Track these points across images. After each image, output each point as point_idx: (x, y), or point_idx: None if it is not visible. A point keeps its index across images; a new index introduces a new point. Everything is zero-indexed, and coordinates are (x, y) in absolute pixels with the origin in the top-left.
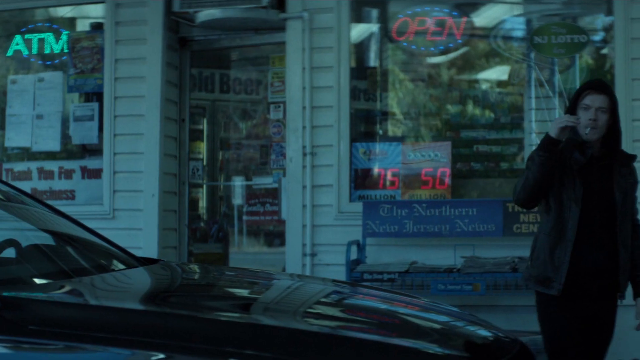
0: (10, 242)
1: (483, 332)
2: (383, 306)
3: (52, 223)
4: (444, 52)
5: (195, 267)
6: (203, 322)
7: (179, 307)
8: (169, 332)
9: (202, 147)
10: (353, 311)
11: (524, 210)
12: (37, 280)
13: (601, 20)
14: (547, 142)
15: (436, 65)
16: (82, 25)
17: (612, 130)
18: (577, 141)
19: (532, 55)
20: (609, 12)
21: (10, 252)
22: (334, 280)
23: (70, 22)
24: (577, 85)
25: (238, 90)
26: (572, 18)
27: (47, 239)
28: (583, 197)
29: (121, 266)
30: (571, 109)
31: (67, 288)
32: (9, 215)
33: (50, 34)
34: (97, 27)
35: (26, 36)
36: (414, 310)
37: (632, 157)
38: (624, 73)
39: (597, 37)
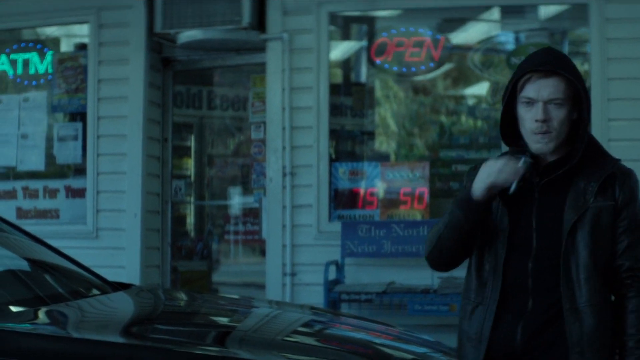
0: None
1: None
2: (358, 336)
3: (26, 249)
4: (422, 73)
5: (169, 293)
6: (171, 355)
7: (148, 337)
8: None
9: (190, 163)
10: (328, 341)
11: None
12: (11, 307)
13: (579, 39)
14: (466, 202)
15: (415, 86)
16: (67, 46)
17: (577, 127)
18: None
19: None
20: (584, 37)
21: None
22: (312, 308)
23: (55, 42)
24: None
25: (225, 107)
26: (557, 33)
27: (21, 265)
28: (511, 236)
29: (95, 292)
30: (506, 106)
31: (35, 317)
32: None
33: (35, 53)
34: (81, 48)
35: (11, 56)
36: (388, 339)
37: (609, 164)
38: (600, 93)
39: (576, 56)
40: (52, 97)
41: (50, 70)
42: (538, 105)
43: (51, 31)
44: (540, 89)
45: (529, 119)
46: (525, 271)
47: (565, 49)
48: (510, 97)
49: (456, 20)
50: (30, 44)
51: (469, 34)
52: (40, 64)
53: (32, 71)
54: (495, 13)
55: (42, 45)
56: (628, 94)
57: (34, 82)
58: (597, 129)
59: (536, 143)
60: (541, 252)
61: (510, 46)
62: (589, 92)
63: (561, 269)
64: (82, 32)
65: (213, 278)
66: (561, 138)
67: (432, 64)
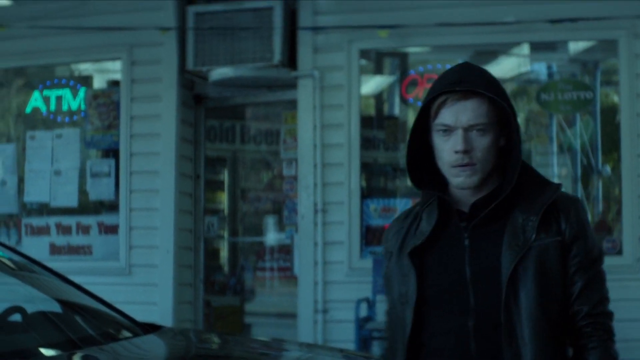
0: (16, 309)
1: None
2: None
3: (55, 289)
4: None
5: (200, 336)
6: None
7: None
8: None
9: (223, 197)
10: None
11: None
12: (43, 351)
13: (612, 69)
14: None
15: None
16: (99, 82)
17: (506, 154)
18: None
19: (553, 115)
20: (616, 67)
21: (16, 319)
22: (341, 350)
23: (88, 79)
24: (586, 140)
25: (258, 141)
26: (590, 63)
27: (52, 306)
28: (441, 294)
29: (126, 334)
30: (414, 135)
31: None
32: (16, 283)
33: (68, 90)
34: (113, 84)
35: (44, 92)
36: None
37: (549, 191)
38: (630, 129)
39: (609, 86)
40: (85, 134)
41: (83, 107)
42: (457, 133)
43: (84, 68)
44: (458, 114)
45: (447, 150)
46: (465, 333)
47: (598, 80)
48: (420, 125)
49: (486, 55)
50: (64, 81)
51: (500, 70)
52: (73, 101)
53: (65, 107)
54: (525, 48)
55: (75, 81)
56: None
57: (67, 119)
58: (627, 165)
59: (456, 177)
60: (481, 308)
61: (541, 81)
62: (516, 112)
63: (502, 325)
64: (114, 68)
65: (246, 309)
66: (487, 169)
67: None
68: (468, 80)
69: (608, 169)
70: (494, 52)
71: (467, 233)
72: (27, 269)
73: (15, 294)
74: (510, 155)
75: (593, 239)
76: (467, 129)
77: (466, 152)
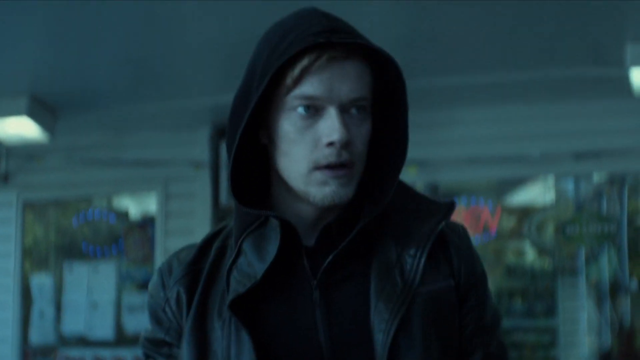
0: None
1: None
2: None
3: None
4: (481, 244)
5: None
6: None
7: None
8: None
9: None
10: None
11: None
12: None
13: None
14: None
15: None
16: (135, 215)
17: (378, 148)
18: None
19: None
20: None
21: None
22: None
23: (124, 211)
24: (616, 266)
25: None
26: (610, 182)
27: None
28: None
29: None
30: (253, 117)
31: None
32: None
33: (104, 222)
34: (149, 218)
35: (81, 224)
36: None
37: (435, 213)
38: None
39: (635, 201)
40: (120, 266)
41: (119, 239)
42: (329, 113)
43: (120, 200)
44: (334, 81)
45: (308, 141)
46: None
47: (625, 192)
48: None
49: (512, 187)
50: (99, 212)
51: (525, 200)
52: (109, 233)
53: (101, 239)
54: (551, 180)
55: (111, 214)
56: None
57: (103, 251)
58: None
59: (322, 185)
60: None
61: (567, 214)
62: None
63: None
64: (150, 201)
65: None
66: (357, 180)
67: (488, 237)
68: (344, 30)
69: (636, 284)
70: (519, 186)
71: (316, 280)
72: None
73: None
74: (378, 154)
75: (489, 289)
76: (345, 108)
77: (347, 145)
